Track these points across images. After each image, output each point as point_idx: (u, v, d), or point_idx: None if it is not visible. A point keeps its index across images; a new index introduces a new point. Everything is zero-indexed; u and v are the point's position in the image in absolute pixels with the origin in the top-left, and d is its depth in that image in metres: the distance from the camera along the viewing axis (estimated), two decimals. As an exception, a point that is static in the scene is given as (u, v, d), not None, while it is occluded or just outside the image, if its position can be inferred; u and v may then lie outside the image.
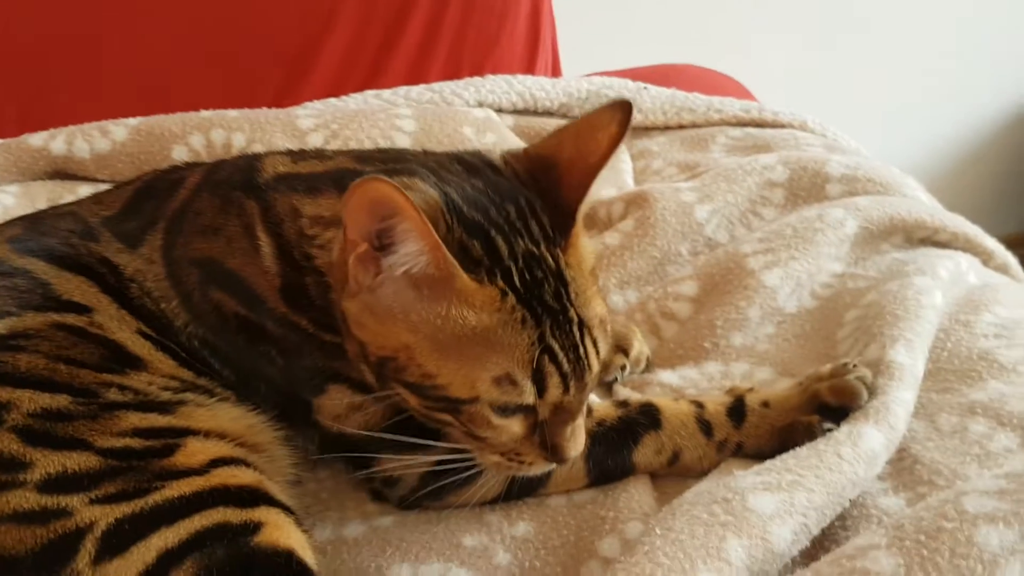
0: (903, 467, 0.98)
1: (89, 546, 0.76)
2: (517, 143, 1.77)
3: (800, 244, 1.34)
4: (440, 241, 0.82)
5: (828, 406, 1.01)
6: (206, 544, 0.77)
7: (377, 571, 0.99)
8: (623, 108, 0.91)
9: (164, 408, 0.92)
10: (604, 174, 1.61)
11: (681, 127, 1.88)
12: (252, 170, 1.05)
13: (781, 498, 0.89)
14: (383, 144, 1.62)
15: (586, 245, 0.95)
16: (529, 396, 0.87)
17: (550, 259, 0.89)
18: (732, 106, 1.88)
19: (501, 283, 0.86)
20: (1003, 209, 3.35)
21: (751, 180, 1.51)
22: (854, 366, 1.04)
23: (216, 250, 1.02)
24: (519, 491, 1.04)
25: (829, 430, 0.99)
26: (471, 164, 0.97)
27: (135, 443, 0.86)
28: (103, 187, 1.41)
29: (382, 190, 0.79)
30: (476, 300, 0.85)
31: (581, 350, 0.89)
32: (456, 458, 0.96)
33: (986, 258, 1.43)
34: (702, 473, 1.04)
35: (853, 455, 0.94)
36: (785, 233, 1.37)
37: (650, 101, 1.91)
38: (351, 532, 1.05)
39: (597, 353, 0.91)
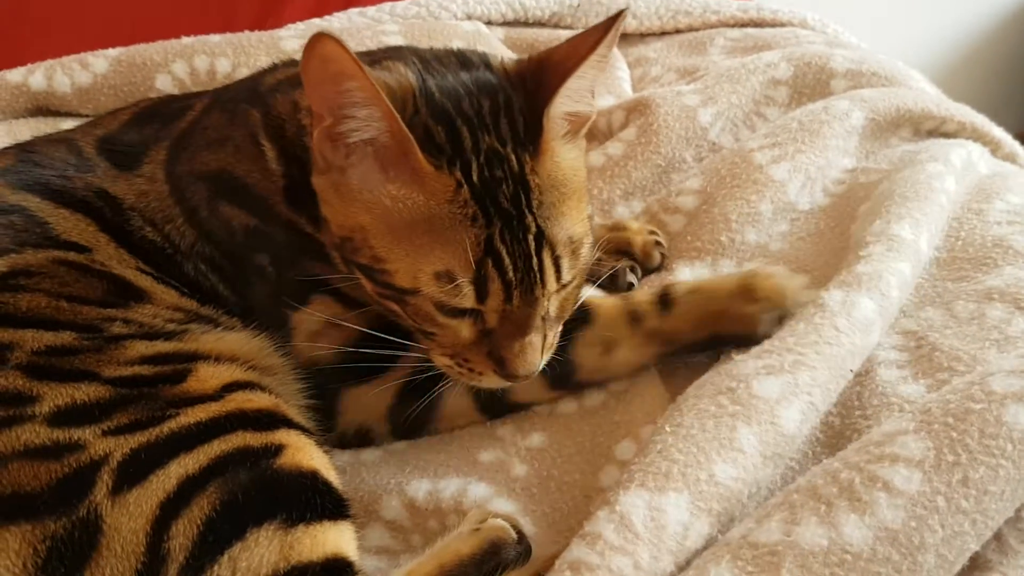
0: (922, 355, 0.97)
1: (106, 478, 0.74)
2: (509, 56, 1.72)
3: (806, 137, 1.31)
4: (392, 109, 0.80)
5: (755, 298, 1.00)
6: (228, 469, 0.76)
7: (397, 487, 0.99)
8: (615, 18, 0.86)
9: (170, 335, 0.91)
10: (600, 82, 1.60)
11: (678, 31, 1.83)
12: (256, 83, 1.08)
13: (785, 380, 0.88)
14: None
15: (567, 159, 0.90)
16: (468, 300, 0.85)
17: (514, 161, 0.86)
18: (729, 7, 1.83)
19: (458, 174, 0.84)
20: (1003, 108, 3.30)
21: (755, 79, 1.47)
22: None
23: (224, 160, 1.02)
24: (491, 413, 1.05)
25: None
26: (466, 59, 0.94)
27: (144, 370, 0.85)
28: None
29: (330, 48, 0.78)
30: (430, 184, 0.83)
31: (534, 261, 0.85)
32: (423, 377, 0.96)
33: (994, 148, 1.41)
34: (642, 367, 1.04)
35: (848, 325, 0.94)
36: (791, 127, 1.34)
37: (645, 6, 1.85)
38: (367, 456, 1.05)
39: (557, 271, 0.88)
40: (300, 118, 0.99)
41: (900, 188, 1.13)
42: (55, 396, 0.79)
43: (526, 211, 0.85)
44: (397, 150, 0.83)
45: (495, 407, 1.04)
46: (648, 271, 1.23)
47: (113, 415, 0.79)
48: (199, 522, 0.73)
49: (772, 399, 0.87)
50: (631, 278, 1.19)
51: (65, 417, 0.78)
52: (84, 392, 0.80)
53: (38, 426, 0.77)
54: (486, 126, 0.86)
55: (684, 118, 1.41)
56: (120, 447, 0.76)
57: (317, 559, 0.74)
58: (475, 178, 0.84)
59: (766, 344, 0.94)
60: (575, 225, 0.89)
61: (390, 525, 0.97)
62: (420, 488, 0.99)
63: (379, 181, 0.85)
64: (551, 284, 0.88)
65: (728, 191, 1.27)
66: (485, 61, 0.94)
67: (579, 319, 1.02)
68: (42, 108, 1.56)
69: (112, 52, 1.57)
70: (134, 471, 0.75)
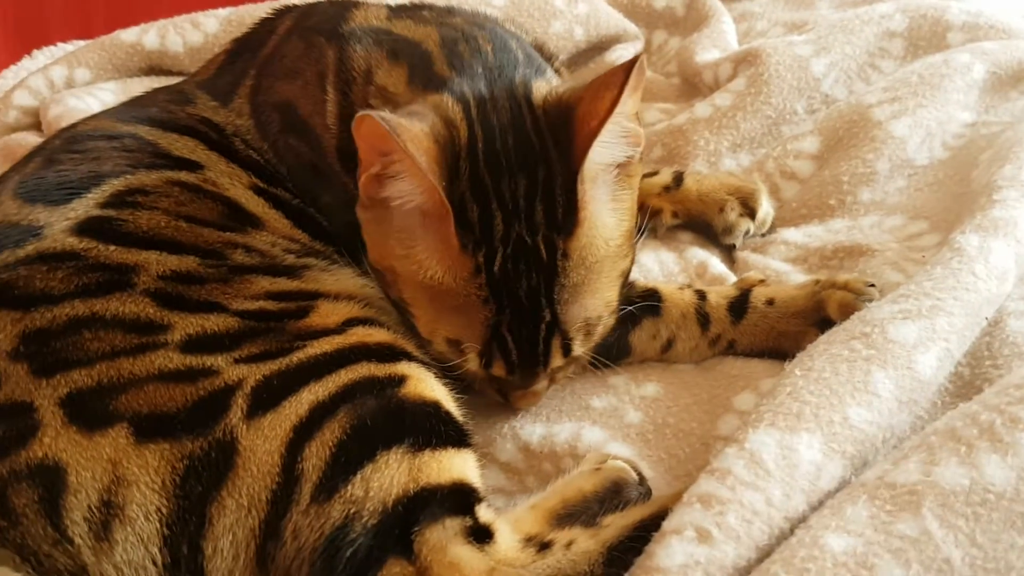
0: (1054, 306, 0.93)
1: (240, 402, 0.76)
2: (609, 13, 1.70)
3: (927, 91, 1.27)
4: (436, 185, 0.80)
5: (829, 320, 0.97)
6: (356, 396, 0.77)
7: (511, 432, 0.99)
8: (625, 69, 0.81)
9: (291, 272, 0.92)
10: (704, 39, 1.57)
11: (784, -16, 1.78)
12: (340, 17, 1.04)
13: (922, 325, 0.85)
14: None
15: (605, 226, 0.87)
16: (473, 366, 0.88)
17: (543, 251, 0.84)
18: (838, -41, 1.77)
19: (481, 259, 0.84)
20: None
21: (869, 30, 1.43)
22: (871, 285, 0.99)
23: (293, 93, 1.02)
24: None
25: None
26: (516, 100, 0.90)
27: (270, 305, 0.86)
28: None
29: (379, 131, 0.79)
30: (452, 259, 0.84)
31: (540, 348, 0.87)
32: None
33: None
34: (691, 363, 1.05)
35: (986, 272, 0.90)
36: (911, 80, 1.29)
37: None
38: (478, 401, 1.05)
39: (565, 352, 0.89)
40: (368, 92, 0.97)
41: (1027, 135, 1.08)
42: (186, 325, 0.81)
43: (543, 301, 0.85)
44: (436, 215, 0.83)
45: None
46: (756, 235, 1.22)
47: (243, 345, 0.80)
48: (331, 445, 0.74)
49: (909, 344, 0.84)
50: (738, 238, 1.20)
51: (197, 345, 0.80)
52: (214, 323, 0.82)
53: (171, 352, 0.79)
54: (519, 213, 0.85)
55: (796, 68, 1.37)
56: (253, 374, 0.78)
57: (444, 483, 0.75)
58: (496, 268, 0.84)
59: (902, 289, 0.91)
60: (595, 301, 0.88)
61: (505, 467, 0.97)
62: (534, 432, 0.99)
63: (416, 232, 0.86)
64: (556, 363, 0.90)
65: (844, 152, 1.24)
66: (530, 103, 0.89)
67: (648, 308, 1.02)
68: (155, 67, 1.61)
69: (222, 12, 1.61)
70: (267, 397, 0.76)
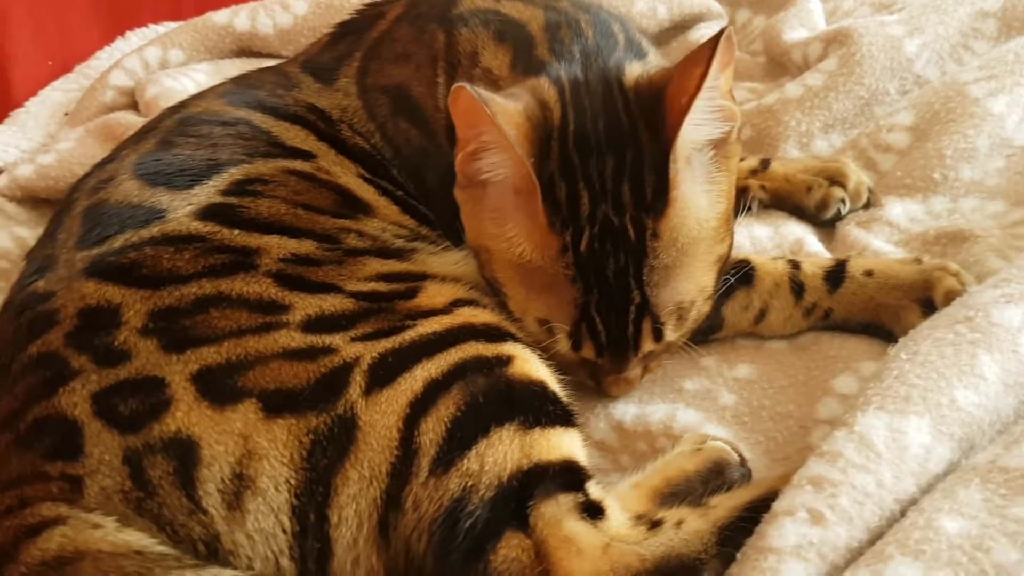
0: None
1: (358, 379, 0.78)
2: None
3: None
4: (524, 159, 0.82)
5: (932, 303, 0.96)
6: (467, 374, 0.79)
7: (604, 411, 1.01)
8: (711, 45, 0.81)
9: (400, 255, 0.95)
10: (791, 18, 1.55)
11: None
12: (450, 2, 1.07)
13: None
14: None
15: (698, 207, 0.87)
16: (563, 347, 0.89)
17: (631, 231, 0.85)
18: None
19: (568, 238, 0.85)
20: None
21: (962, 10, 1.41)
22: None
23: (405, 76, 1.05)
24: None
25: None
26: (609, 84, 0.91)
27: (381, 287, 0.89)
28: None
29: (472, 103, 0.81)
30: (540, 237, 0.85)
31: (630, 331, 0.87)
32: None
33: None
34: (784, 335, 1.04)
35: None
36: (1007, 59, 1.27)
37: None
38: (570, 380, 1.07)
39: (656, 337, 0.89)
40: (474, 74, 0.99)
41: None
42: (305, 306, 0.84)
43: (632, 282, 0.86)
44: (525, 190, 0.85)
45: None
46: (852, 210, 1.21)
47: (358, 324, 0.83)
48: (446, 420, 0.76)
49: (1013, 327, 0.83)
50: (840, 209, 1.18)
51: (316, 325, 0.83)
52: (330, 303, 0.84)
53: (293, 332, 0.82)
54: (606, 193, 0.86)
55: (889, 48, 1.36)
56: (368, 352, 0.80)
57: (555, 460, 0.77)
58: (583, 247, 0.85)
59: (1003, 273, 0.91)
60: (688, 285, 0.88)
61: (599, 445, 0.99)
62: (627, 412, 1.01)
63: (507, 211, 0.88)
64: (647, 347, 0.90)
65: (943, 126, 1.22)
66: (621, 87, 0.90)
67: (740, 277, 1.02)
68: (245, 49, 1.65)
69: (312, -6, 1.63)
70: (383, 374, 0.79)
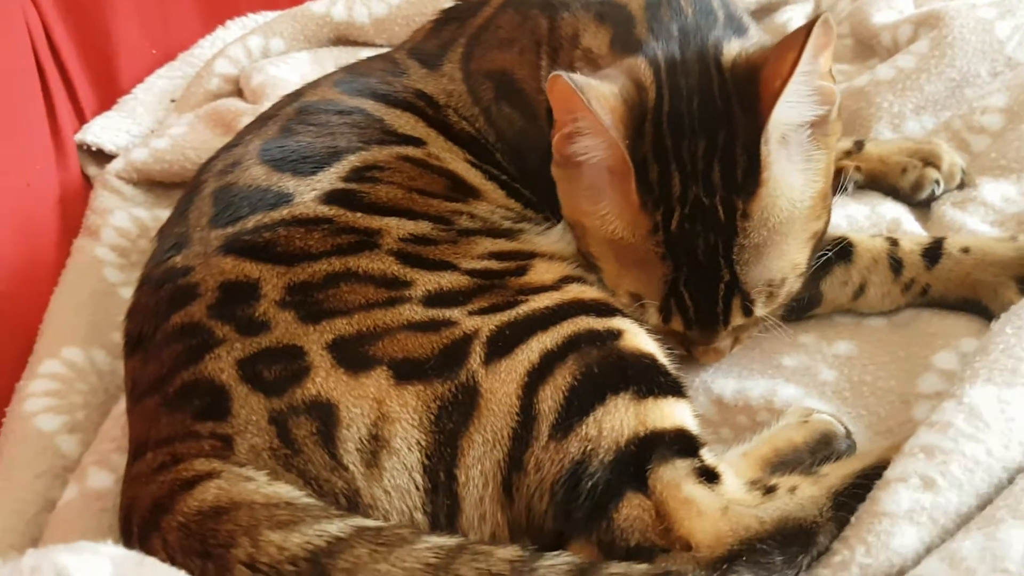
0: None
1: (478, 349, 0.83)
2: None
3: (1117, 52, 1.24)
4: (618, 142, 0.85)
5: None
6: (581, 346, 0.83)
7: (703, 386, 1.04)
8: (807, 29, 0.83)
9: (508, 235, 0.99)
10: (879, 1, 1.55)
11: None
12: None
13: None
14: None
15: (790, 189, 0.89)
16: (653, 320, 0.93)
17: (721, 211, 0.87)
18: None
19: (659, 217, 0.88)
20: None
21: (1056, -9, 1.39)
22: None
23: (508, 61, 1.09)
24: None
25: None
26: (706, 63, 0.93)
27: (493, 264, 0.93)
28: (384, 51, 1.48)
29: (568, 90, 0.85)
30: (632, 216, 0.88)
31: (718, 307, 0.90)
32: None
33: None
34: (883, 311, 1.06)
35: None
36: (1101, 41, 1.26)
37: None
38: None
39: (746, 312, 0.92)
40: (574, 56, 1.02)
41: None
42: (425, 282, 0.89)
43: (721, 260, 0.88)
44: (619, 171, 0.88)
45: None
46: (947, 191, 1.22)
47: (474, 300, 0.88)
48: (564, 388, 0.80)
49: (1115, 301, 0.85)
50: (935, 189, 1.19)
51: (436, 299, 0.87)
52: (448, 280, 0.89)
53: (416, 306, 0.86)
54: (697, 174, 0.88)
55: (980, 31, 1.35)
56: (486, 325, 0.85)
57: (669, 428, 0.81)
58: (673, 226, 0.88)
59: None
60: (779, 263, 0.90)
61: (699, 419, 1.02)
62: (727, 387, 1.04)
63: (602, 189, 0.91)
64: (736, 321, 0.93)
65: (1036, 107, 1.22)
66: (719, 65, 0.92)
67: (839, 253, 1.04)
68: (342, 38, 1.71)
69: (406, -16, 1.68)
70: (501, 345, 0.83)
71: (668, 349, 0.91)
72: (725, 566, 0.72)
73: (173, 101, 1.67)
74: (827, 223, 0.97)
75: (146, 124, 1.61)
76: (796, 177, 0.90)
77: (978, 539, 0.70)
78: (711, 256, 0.89)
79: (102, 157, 1.55)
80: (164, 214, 1.39)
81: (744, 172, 0.87)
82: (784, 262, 0.91)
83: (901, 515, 0.73)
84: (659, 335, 0.94)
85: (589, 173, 0.93)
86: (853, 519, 0.75)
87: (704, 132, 0.89)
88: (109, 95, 1.65)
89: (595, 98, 0.86)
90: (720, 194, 0.88)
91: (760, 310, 0.92)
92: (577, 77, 0.86)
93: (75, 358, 1.17)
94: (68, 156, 1.49)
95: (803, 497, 0.78)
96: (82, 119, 1.60)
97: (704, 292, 0.90)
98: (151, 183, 1.48)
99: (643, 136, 0.89)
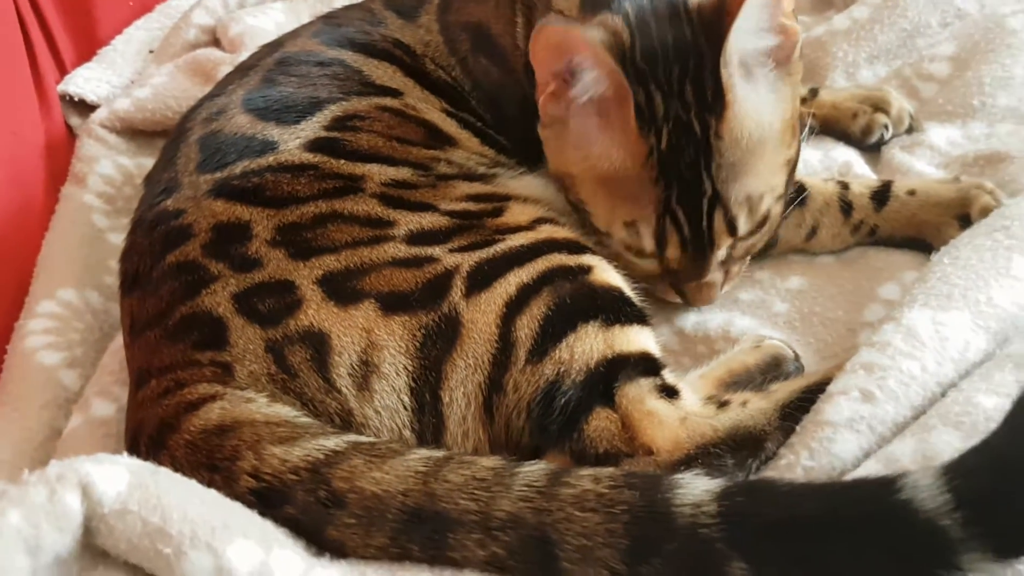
0: None
1: (459, 283, 0.89)
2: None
3: (1060, 2, 1.32)
4: (617, 66, 0.91)
5: (969, 218, 1.05)
6: (554, 279, 0.90)
7: (666, 319, 1.12)
8: None
9: (484, 179, 1.05)
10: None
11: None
12: None
13: None
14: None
15: (756, 110, 0.95)
16: (649, 246, 0.99)
17: (697, 127, 0.94)
18: None
19: (652, 139, 0.94)
20: None
21: (1003, -56, 1.46)
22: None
23: (484, 14, 1.15)
24: None
25: None
26: (675, 9, 0.98)
27: (471, 206, 0.99)
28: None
29: (557, 35, 0.91)
30: (631, 145, 0.94)
31: (704, 223, 0.96)
32: None
33: None
34: (833, 251, 1.15)
35: None
36: (1046, -8, 1.34)
37: None
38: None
39: (731, 229, 0.97)
40: (548, 16, 1.05)
41: None
42: (408, 222, 0.95)
43: (703, 174, 0.94)
44: (616, 102, 0.94)
45: None
46: (895, 135, 1.30)
47: (454, 238, 0.94)
48: (539, 317, 0.87)
49: (1047, 233, 0.93)
50: (883, 134, 1.27)
51: (418, 238, 0.94)
52: (429, 220, 0.95)
53: (399, 244, 0.93)
54: (674, 93, 0.94)
55: (932, -17, 1.42)
56: (466, 261, 0.91)
57: (634, 351, 0.88)
58: (664, 145, 0.94)
59: (1041, 187, 1.00)
60: (756, 181, 0.97)
61: (663, 349, 1.09)
62: (688, 320, 1.11)
63: (593, 133, 0.97)
64: (723, 240, 0.98)
65: (982, 56, 1.30)
66: (685, 7, 0.97)
67: (794, 197, 1.11)
68: (317, -13, 1.73)
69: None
70: (481, 279, 0.90)
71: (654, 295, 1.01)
72: (682, 468, 0.80)
73: (151, 52, 1.70)
74: (798, 153, 1.04)
75: (126, 75, 1.64)
76: (763, 104, 0.96)
77: (911, 443, 0.78)
78: (693, 169, 0.95)
79: (84, 107, 1.58)
80: (147, 162, 1.43)
81: (712, 92, 0.94)
82: (760, 181, 0.97)
83: (842, 424, 0.81)
84: (653, 281, 1.02)
85: (578, 121, 0.98)
86: (798, 428, 0.84)
87: (677, 60, 0.95)
88: (89, 47, 1.68)
89: (586, 36, 0.91)
90: (695, 111, 0.94)
91: (743, 226, 0.98)
92: (562, 20, 0.92)
93: (70, 298, 1.22)
94: (51, 106, 1.53)
95: (753, 409, 0.86)
96: (63, 71, 1.63)
97: (692, 208, 0.96)
98: (134, 132, 1.51)
99: (625, 69, 0.94)
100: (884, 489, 0.66)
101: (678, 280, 1.04)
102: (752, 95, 0.95)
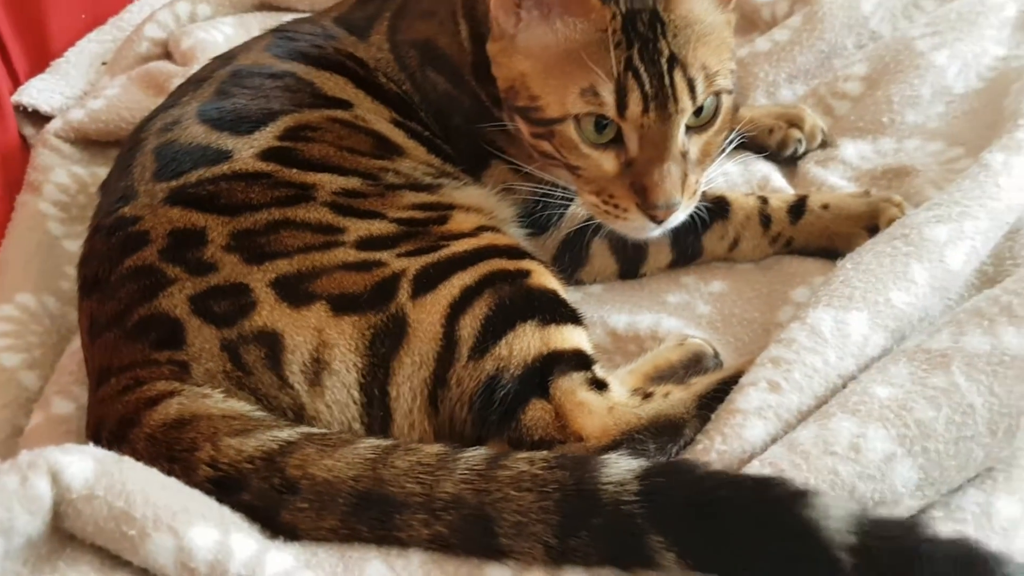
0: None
1: (406, 286, 0.96)
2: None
3: (964, 26, 1.43)
4: None
5: (877, 228, 1.15)
6: (495, 282, 0.97)
7: (600, 320, 1.20)
8: None
9: (430, 189, 1.12)
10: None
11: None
12: None
13: (952, 227, 1.04)
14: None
15: (702, 9, 1.03)
16: (610, 108, 1.00)
17: (651, 2, 1.00)
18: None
19: (613, 7, 1.00)
20: None
21: (913, -28, 1.58)
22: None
23: (430, 30, 1.22)
24: (625, 272, 1.25)
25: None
26: None
27: (417, 214, 1.06)
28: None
29: None
30: (594, 14, 1.00)
31: (666, 79, 1.00)
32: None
33: None
34: (754, 260, 1.24)
35: (1008, 183, 1.09)
36: (950, 17, 1.46)
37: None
38: (570, 296, 1.25)
39: (690, 91, 1.00)
40: (488, 5, 1.12)
41: (1051, 71, 1.25)
42: (357, 229, 1.01)
43: (660, 38, 1.00)
44: None
45: (629, 271, 1.26)
46: (809, 150, 1.40)
47: (401, 244, 1.01)
48: (481, 317, 0.94)
49: (940, 242, 1.02)
50: (797, 148, 1.38)
51: (367, 243, 1.00)
52: (377, 227, 1.02)
53: (349, 249, 0.99)
54: None
55: (847, 7, 1.53)
56: (412, 265, 0.98)
57: (568, 348, 0.96)
58: (623, 9, 1.00)
59: (934, 199, 1.10)
60: (709, 58, 1.02)
61: (596, 348, 1.16)
62: (620, 321, 1.19)
63: (543, 28, 1.03)
64: (684, 101, 1.00)
65: (892, 76, 1.40)
66: None
67: (718, 211, 1.21)
68: (266, 4, 1.79)
69: (327, -47, 1.76)
70: (426, 282, 0.96)
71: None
72: (610, 453, 0.88)
73: (104, 64, 1.74)
74: (735, 87, 1.10)
75: (78, 86, 1.68)
76: (705, 9, 1.03)
77: (813, 428, 0.87)
78: (652, 30, 1.00)
79: (38, 118, 1.61)
80: (101, 171, 1.48)
81: None
82: (713, 59, 1.02)
83: (752, 412, 0.89)
84: (606, 196, 1.05)
85: (530, 22, 1.04)
86: (713, 417, 0.92)
87: None
88: (42, 58, 1.72)
89: None
90: None
91: (701, 91, 1.01)
92: None
93: (28, 303, 1.26)
94: (5, 117, 1.56)
95: (674, 400, 0.94)
96: (16, 82, 1.66)
97: (652, 66, 0.99)
98: (88, 142, 1.55)
99: None
100: (794, 501, 0.74)
101: (639, 172, 1.03)
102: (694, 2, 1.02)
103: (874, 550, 0.71)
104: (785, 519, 0.74)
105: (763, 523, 0.74)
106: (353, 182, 1.07)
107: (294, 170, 1.05)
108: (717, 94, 1.04)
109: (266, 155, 1.06)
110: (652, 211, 1.03)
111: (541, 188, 1.14)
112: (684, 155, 1.03)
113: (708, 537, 0.75)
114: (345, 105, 1.16)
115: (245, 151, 1.06)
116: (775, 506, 0.75)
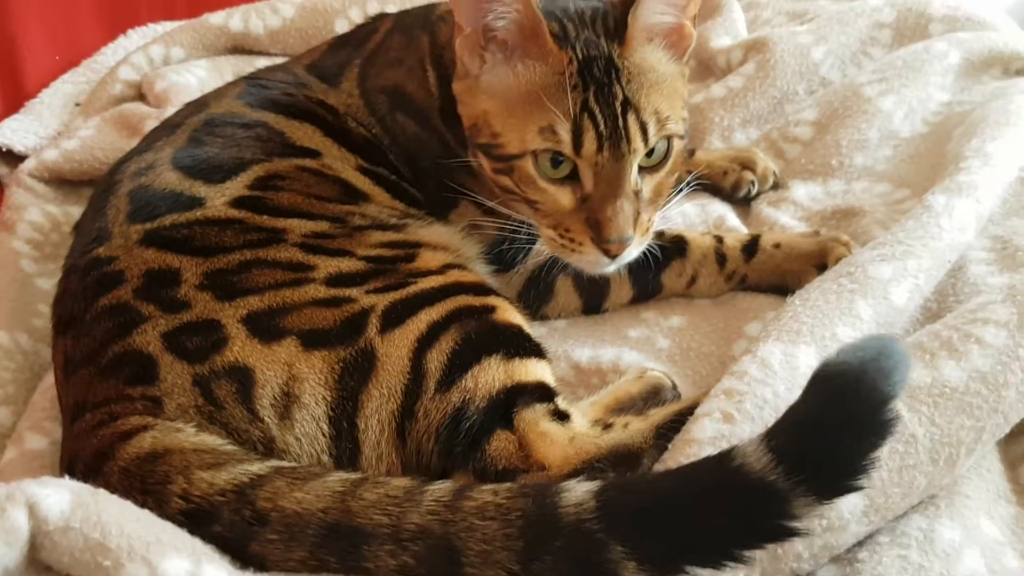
0: (1007, 255, 1.17)
1: (375, 321, 0.99)
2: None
3: (910, 73, 1.51)
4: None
5: (826, 267, 1.21)
6: (461, 318, 1.01)
7: (564, 354, 1.24)
8: None
9: (396, 228, 1.16)
10: (717, 27, 1.79)
11: (787, -23, 2.00)
12: (430, 10, 1.31)
13: (896, 265, 1.10)
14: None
15: (657, 60, 1.10)
16: (566, 145, 1.06)
17: (605, 47, 1.07)
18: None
19: (569, 50, 1.06)
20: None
21: (861, 22, 1.66)
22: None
23: (399, 77, 1.27)
24: (588, 307, 1.31)
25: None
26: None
27: (385, 252, 1.10)
28: (279, 60, 1.62)
29: None
30: (551, 59, 1.07)
31: (620, 121, 1.06)
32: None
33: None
34: (710, 297, 1.30)
35: (950, 224, 1.15)
36: (896, 64, 1.53)
37: (755, -46, 2.02)
38: (535, 331, 1.29)
39: (643, 133, 1.07)
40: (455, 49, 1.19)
41: (992, 115, 1.33)
42: (327, 266, 1.04)
43: (615, 82, 1.06)
44: (530, 32, 1.06)
45: (592, 306, 1.31)
46: (761, 191, 1.47)
47: (370, 281, 1.04)
48: (447, 351, 0.98)
49: (885, 279, 1.08)
50: (750, 189, 1.44)
51: (337, 280, 1.03)
52: (347, 264, 1.05)
53: (319, 286, 1.02)
54: (584, 23, 1.09)
55: (798, 55, 1.61)
56: (381, 301, 1.01)
57: (531, 381, 1.00)
58: (580, 55, 1.06)
59: (879, 238, 1.15)
60: (661, 104, 1.09)
61: (560, 381, 1.20)
62: (583, 354, 1.23)
63: (505, 68, 1.09)
64: (637, 142, 1.06)
65: (840, 121, 1.48)
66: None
67: (676, 250, 1.27)
68: (238, 47, 1.84)
69: (299, -1, 1.83)
70: (394, 317, 1.00)
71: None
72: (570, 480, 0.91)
73: (78, 105, 1.77)
74: (688, 133, 1.16)
75: (52, 127, 1.71)
76: (659, 60, 1.10)
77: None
78: (608, 75, 1.06)
79: (12, 157, 1.64)
80: (74, 210, 1.51)
81: (616, 26, 1.08)
82: (664, 104, 1.09)
83: (706, 441, 0.93)
84: (563, 230, 1.10)
85: (495, 62, 1.10)
86: (670, 446, 0.95)
87: (587, 10, 1.10)
88: (16, 99, 1.75)
89: None
90: (603, 37, 1.08)
91: (653, 134, 1.07)
92: None
93: (1, 340, 1.28)
94: (-21, 156, 1.59)
95: (633, 430, 0.98)
96: (-9, 122, 1.69)
97: (607, 108, 1.05)
98: (61, 181, 1.58)
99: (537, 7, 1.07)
100: (720, 460, 0.78)
101: (594, 208, 1.08)
102: (650, 49, 1.10)
103: (787, 448, 0.75)
104: (722, 482, 0.78)
105: (707, 497, 0.78)
106: (322, 225, 1.11)
107: (265, 216, 1.09)
108: (668, 138, 1.10)
109: (238, 203, 1.10)
110: (606, 245, 1.08)
111: (508, 225, 1.19)
112: (637, 194, 1.09)
113: (664, 534, 0.78)
114: (313, 154, 1.21)
115: (217, 199, 1.10)
116: (709, 477, 0.79)
